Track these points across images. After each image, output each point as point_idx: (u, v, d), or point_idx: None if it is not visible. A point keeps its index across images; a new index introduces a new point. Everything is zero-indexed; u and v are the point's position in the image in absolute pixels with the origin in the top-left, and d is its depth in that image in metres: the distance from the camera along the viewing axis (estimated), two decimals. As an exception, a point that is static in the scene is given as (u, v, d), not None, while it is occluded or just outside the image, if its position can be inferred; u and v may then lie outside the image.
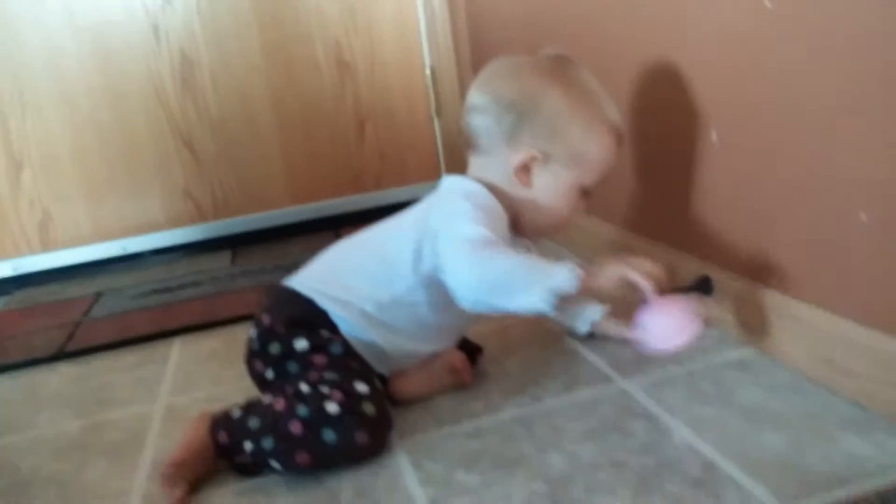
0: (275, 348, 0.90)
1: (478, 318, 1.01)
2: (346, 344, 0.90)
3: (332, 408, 0.81)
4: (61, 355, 1.31)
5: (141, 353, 1.30)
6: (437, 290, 0.89)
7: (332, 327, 0.91)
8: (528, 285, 0.80)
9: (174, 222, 1.93)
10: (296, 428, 0.80)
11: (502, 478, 0.77)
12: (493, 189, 0.94)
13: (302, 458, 0.80)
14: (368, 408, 0.83)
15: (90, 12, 1.81)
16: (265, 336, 0.92)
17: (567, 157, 0.93)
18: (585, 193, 0.98)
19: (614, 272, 0.82)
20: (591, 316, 1.07)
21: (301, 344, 0.89)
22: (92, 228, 1.90)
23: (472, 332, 1.07)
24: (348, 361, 0.89)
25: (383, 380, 0.94)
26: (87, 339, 1.38)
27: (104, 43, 1.83)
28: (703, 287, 1.04)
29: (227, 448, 0.83)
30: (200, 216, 1.94)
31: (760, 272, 0.95)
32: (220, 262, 1.83)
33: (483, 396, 0.95)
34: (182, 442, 0.85)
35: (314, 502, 0.78)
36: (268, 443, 0.80)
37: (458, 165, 1.21)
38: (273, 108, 1.92)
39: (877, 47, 0.71)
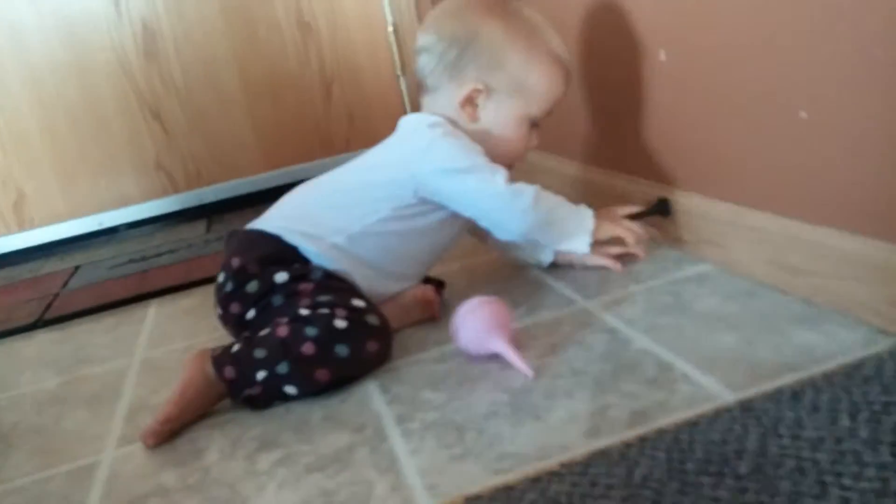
0: (252, 286, 0.91)
1: (444, 251, 1.04)
2: (324, 270, 0.92)
3: (340, 323, 0.83)
4: (40, 323, 1.33)
5: (118, 316, 1.31)
6: (409, 220, 0.95)
7: (304, 261, 0.93)
8: (573, 230, 0.97)
9: (148, 195, 1.94)
10: (308, 348, 0.82)
11: (466, 393, 0.80)
12: (446, 121, 0.96)
13: (322, 374, 0.82)
14: (372, 318, 0.87)
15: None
16: (238, 276, 0.92)
17: (509, 87, 0.96)
18: (534, 125, 1.00)
19: (610, 231, 1.00)
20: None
21: (281, 276, 0.91)
22: (67, 205, 1.91)
23: (439, 271, 1.09)
24: (334, 283, 0.91)
25: None
26: (64, 307, 1.39)
27: (65, 16, 1.82)
28: (661, 209, 1.06)
29: (236, 381, 0.83)
30: (174, 187, 1.95)
31: (712, 186, 0.97)
32: (195, 231, 1.84)
33: (448, 324, 0.98)
34: (178, 386, 0.84)
35: (286, 428, 0.80)
36: (283, 367, 0.81)
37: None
38: (238, 75, 1.93)
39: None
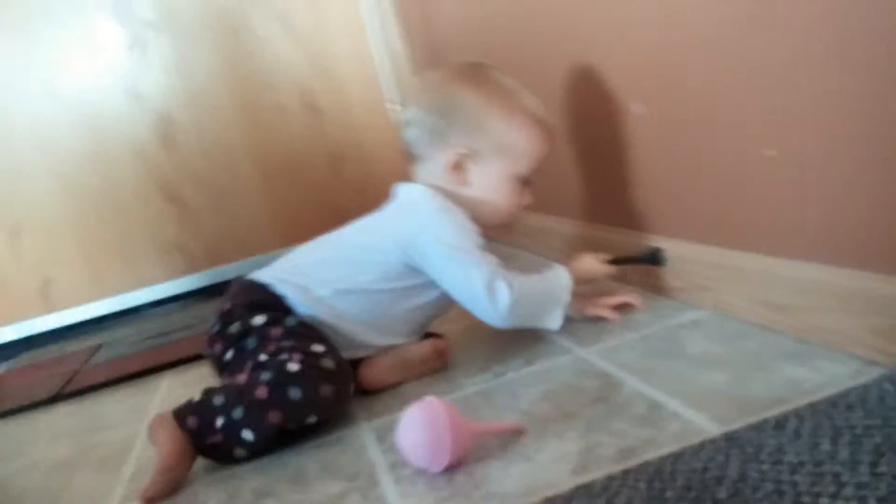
0: (234, 328, 0.96)
1: (441, 313, 1.06)
2: (300, 318, 0.96)
3: (293, 367, 0.86)
4: (59, 397, 1.36)
5: (134, 388, 1.34)
6: (398, 282, 0.99)
7: (288, 310, 0.97)
8: (549, 311, 0.99)
9: (168, 275, 2.00)
10: (262, 392, 0.84)
11: (460, 439, 0.80)
12: (440, 192, 1.01)
13: (274, 416, 0.84)
14: (327, 362, 0.88)
15: (68, 80, 1.92)
16: (225, 318, 0.98)
17: (494, 149, 1.01)
18: (525, 183, 1.04)
19: (590, 273, 1.06)
20: None
21: (258, 319, 0.95)
22: (90, 287, 1.97)
23: (441, 328, 1.11)
24: (303, 330, 0.94)
25: (353, 365, 0.98)
26: (84, 382, 1.43)
27: (86, 111, 1.93)
28: (654, 258, 1.08)
29: (198, 431, 0.86)
30: (193, 267, 2.02)
31: (698, 231, 0.99)
32: (213, 307, 1.87)
33: (448, 379, 0.99)
34: (158, 461, 0.85)
35: (283, 479, 0.81)
36: (238, 412, 0.84)
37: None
38: (251, 157, 2.02)
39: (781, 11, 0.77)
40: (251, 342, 0.94)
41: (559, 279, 1.00)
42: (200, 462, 0.88)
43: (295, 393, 0.84)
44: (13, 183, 1.91)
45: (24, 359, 1.83)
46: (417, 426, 0.74)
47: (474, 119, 1.00)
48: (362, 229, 1.05)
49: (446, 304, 1.04)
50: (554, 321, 0.99)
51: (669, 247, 1.05)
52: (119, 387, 1.37)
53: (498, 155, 1.01)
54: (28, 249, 1.94)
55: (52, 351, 1.85)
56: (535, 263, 1.47)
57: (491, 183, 1.02)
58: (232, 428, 0.84)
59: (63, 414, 1.29)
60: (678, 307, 1.03)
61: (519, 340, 1.06)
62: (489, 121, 1.00)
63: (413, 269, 0.99)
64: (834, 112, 0.71)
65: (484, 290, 0.94)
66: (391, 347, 1.01)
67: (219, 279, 2.02)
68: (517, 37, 1.39)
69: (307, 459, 0.84)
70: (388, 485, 0.74)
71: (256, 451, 0.86)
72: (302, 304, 0.97)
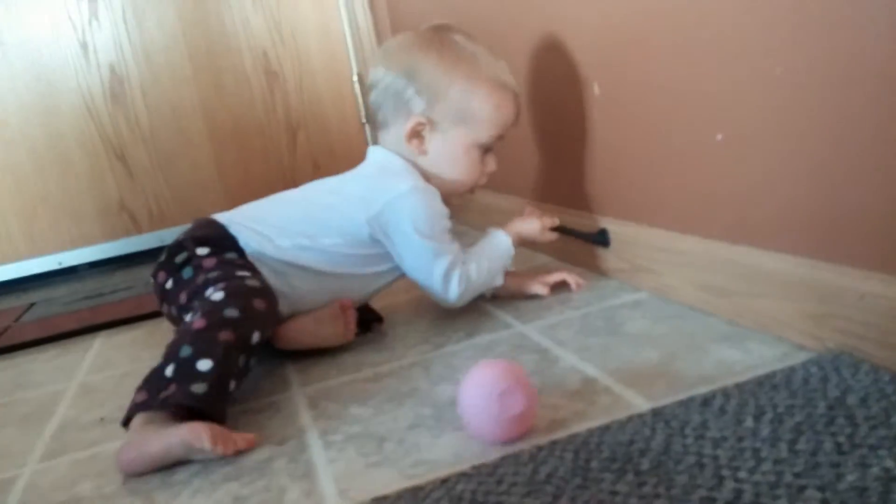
0: (180, 257, 0.96)
1: (386, 286, 1.05)
2: (243, 255, 0.96)
3: (217, 296, 0.85)
4: (-16, 354, 1.31)
5: (64, 347, 1.30)
6: (358, 249, 0.99)
7: (239, 250, 0.97)
8: (493, 278, 1.03)
9: (110, 235, 1.94)
10: (200, 323, 0.82)
11: (393, 408, 0.80)
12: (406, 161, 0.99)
13: (224, 335, 0.80)
14: (253, 282, 0.89)
15: (17, 29, 1.84)
16: (173, 248, 0.98)
17: (454, 117, 0.99)
18: (487, 151, 1.03)
19: (530, 233, 1.06)
20: None
21: (202, 250, 0.95)
22: (26, 244, 1.90)
23: (384, 303, 1.10)
24: (238, 261, 0.94)
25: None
26: (13, 339, 1.38)
27: (33, 59, 1.86)
28: (600, 239, 1.09)
29: (147, 398, 0.76)
30: (136, 228, 1.96)
31: (645, 213, 0.99)
32: (156, 270, 1.83)
33: (388, 348, 0.98)
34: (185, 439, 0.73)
35: (210, 442, 0.79)
36: (185, 350, 0.78)
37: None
38: (204, 119, 1.96)
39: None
40: (187, 271, 0.94)
41: (501, 248, 1.03)
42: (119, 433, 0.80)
43: (231, 312, 0.83)
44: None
45: (-47, 315, 1.76)
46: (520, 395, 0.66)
47: (434, 85, 0.98)
48: (329, 191, 1.03)
49: (400, 274, 1.03)
50: (497, 282, 1.05)
51: (614, 228, 1.06)
52: (50, 346, 1.33)
53: (458, 123, 0.99)
54: (-38, 200, 1.87)
55: (-18, 308, 1.78)
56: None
57: (449, 152, 1.00)
58: (184, 366, 0.77)
59: (-12, 371, 1.24)
60: (620, 288, 1.04)
61: (461, 315, 1.05)
62: (448, 87, 0.98)
63: (375, 240, 0.98)
64: (778, 96, 0.72)
65: (441, 279, 0.97)
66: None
67: (162, 242, 1.96)
68: (481, 11, 1.38)
69: (236, 424, 0.82)
70: (316, 450, 0.73)
71: (215, 385, 0.77)
72: (252, 247, 0.97)
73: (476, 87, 0.98)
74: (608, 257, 1.08)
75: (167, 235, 1.96)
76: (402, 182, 0.97)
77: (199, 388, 0.76)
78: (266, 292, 0.89)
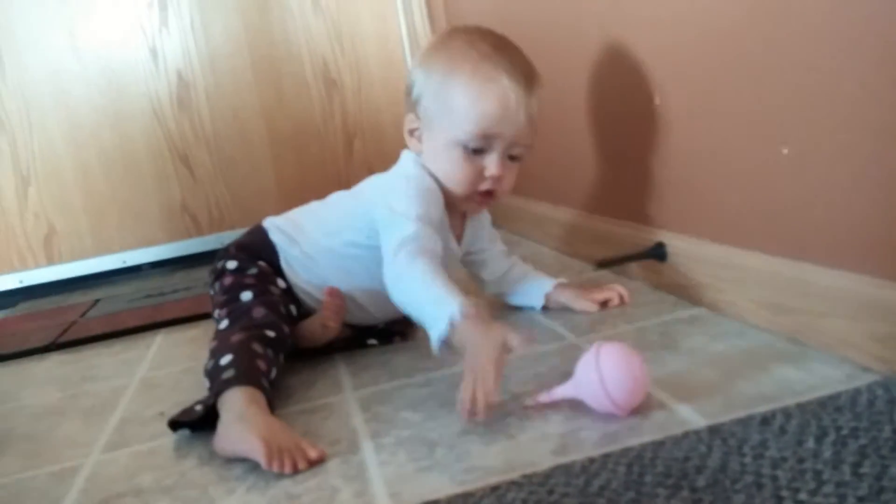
0: (216, 266, 1.03)
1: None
2: (261, 269, 1.01)
3: (223, 324, 0.95)
4: (53, 346, 1.36)
5: (127, 343, 1.35)
6: (368, 251, 0.98)
7: (274, 261, 1.02)
8: (425, 323, 0.82)
9: (172, 236, 2.00)
10: (213, 344, 0.91)
11: (444, 414, 0.80)
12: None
13: (236, 336, 0.89)
14: (245, 295, 0.96)
15: (92, 36, 1.92)
16: (217, 256, 1.05)
17: (433, 111, 0.95)
18: (478, 151, 0.94)
19: (493, 342, 0.75)
20: (542, 289, 1.09)
21: (231, 264, 1.01)
22: (94, 242, 1.98)
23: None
24: (249, 281, 0.99)
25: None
26: (79, 333, 1.43)
27: (105, 65, 1.93)
28: (656, 253, 1.07)
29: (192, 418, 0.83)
30: (197, 230, 2.01)
31: (706, 228, 0.98)
32: (215, 272, 1.88)
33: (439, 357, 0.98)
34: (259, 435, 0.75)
35: (265, 440, 0.81)
36: (211, 363, 0.87)
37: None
38: (264, 125, 2.01)
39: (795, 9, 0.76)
40: (216, 286, 1.03)
41: (442, 308, 0.79)
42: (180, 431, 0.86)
43: (237, 336, 0.90)
44: (27, 132, 1.91)
45: (23, 308, 1.84)
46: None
47: (421, 82, 0.96)
48: (353, 193, 1.07)
49: None
50: (433, 339, 0.80)
51: (672, 242, 1.04)
52: (114, 341, 1.37)
53: (438, 117, 0.94)
54: (35, 199, 1.95)
55: (50, 302, 1.85)
56: (540, 254, 1.46)
57: (433, 149, 0.97)
58: (216, 372, 0.85)
59: (56, 363, 1.29)
60: (676, 303, 1.02)
61: (514, 325, 1.05)
62: (428, 80, 0.95)
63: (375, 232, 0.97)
64: (846, 112, 0.70)
65: (392, 250, 0.88)
66: None
67: (221, 244, 2.01)
68: (539, 25, 1.38)
69: (291, 423, 0.83)
70: (368, 452, 0.74)
71: (241, 371, 0.83)
72: (288, 254, 1.02)
73: (454, 78, 0.92)
74: (665, 272, 1.07)
75: (226, 238, 2.01)
76: (397, 170, 1.02)
77: (227, 374, 0.83)
78: (273, 324, 0.94)
